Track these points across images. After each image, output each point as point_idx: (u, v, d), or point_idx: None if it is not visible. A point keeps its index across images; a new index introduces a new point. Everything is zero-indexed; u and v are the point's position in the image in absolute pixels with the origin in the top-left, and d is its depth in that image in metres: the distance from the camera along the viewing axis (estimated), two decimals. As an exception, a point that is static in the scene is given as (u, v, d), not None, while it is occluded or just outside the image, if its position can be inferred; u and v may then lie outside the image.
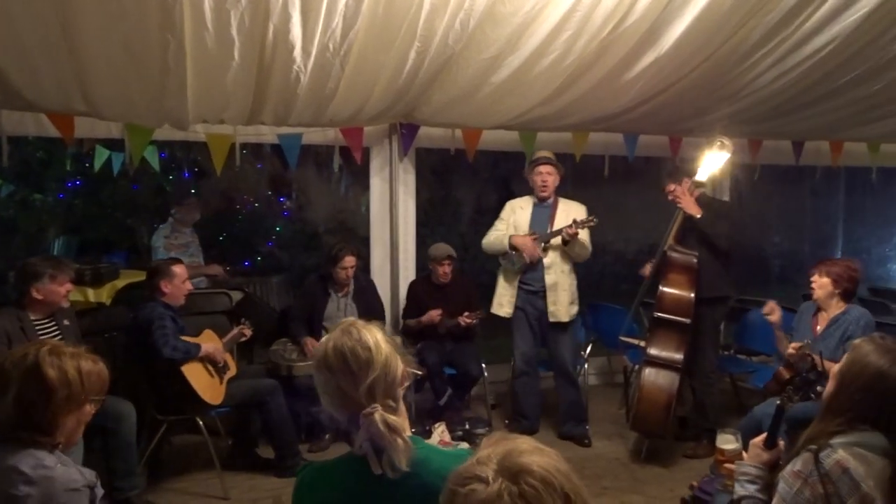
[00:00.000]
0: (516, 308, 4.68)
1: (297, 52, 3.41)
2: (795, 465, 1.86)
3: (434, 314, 4.79)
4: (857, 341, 1.99)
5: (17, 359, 1.88)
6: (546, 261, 4.61)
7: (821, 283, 3.85)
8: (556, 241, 4.58)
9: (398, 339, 1.52)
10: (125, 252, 7.64)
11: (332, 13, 3.23)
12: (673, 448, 4.52)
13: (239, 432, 4.34)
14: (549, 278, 4.60)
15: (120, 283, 5.14)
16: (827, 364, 3.34)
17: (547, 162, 4.66)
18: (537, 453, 1.03)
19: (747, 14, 3.68)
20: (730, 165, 5.01)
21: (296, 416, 4.34)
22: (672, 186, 4.50)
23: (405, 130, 4.91)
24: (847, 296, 3.85)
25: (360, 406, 1.55)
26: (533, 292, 4.65)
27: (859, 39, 3.94)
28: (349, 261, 4.63)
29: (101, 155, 4.93)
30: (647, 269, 4.64)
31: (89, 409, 1.94)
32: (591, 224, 4.53)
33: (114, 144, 4.77)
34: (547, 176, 4.64)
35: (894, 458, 1.81)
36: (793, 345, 3.71)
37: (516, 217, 4.73)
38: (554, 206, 4.69)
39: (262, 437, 4.32)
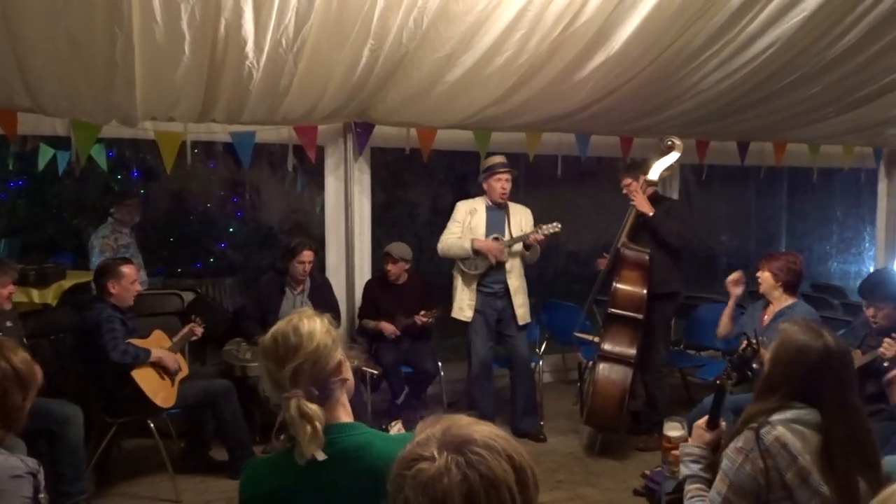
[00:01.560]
0: (475, 311, 4.69)
1: (250, 48, 3.38)
2: (737, 442, 1.95)
3: (389, 329, 4.78)
4: (784, 324, 2.10)
5: None
6: (507, 265, 4.65)
7: (763, 278, 3.99)
8: (518, 245, 4.63)
9: (343, 334, 1.53)
10: (70, 254, 7.42)
11: (285, 9, 3.21)
12: (626, 442, 4.61)
13: (191, 434, 4.26)
14: (512, 282, 4.65)
15: (66, 283, 4.99)
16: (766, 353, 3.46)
17: (507, 169, 4.71)
18: (475, 424, 1.05)
19: (693, 16, 3.78)
20: (678, 165, 5.15)
21: (249, 416, 4.29)
22: (628, 180, 4.60)
23: (360, 129, 4.89)
24: (790, 288, 3.97)
25: (285, 391, 1.57)
26: (492, 294, 4.68)
27: (800, 43, 4.09)
28: (307, 255, 4.60)
29: (46, 153, 4.78)
30: (602, 263, 4.75)
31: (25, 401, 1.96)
32: (556, 231, 4.60)
33: (59, 143, 4.64)
34: (506, 183, 4.68)
35: (825, 432, 1.90)
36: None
37: (472, 220, 4.72)
38: (506, 210, 4.74)
39: (215, 439, 4.25)
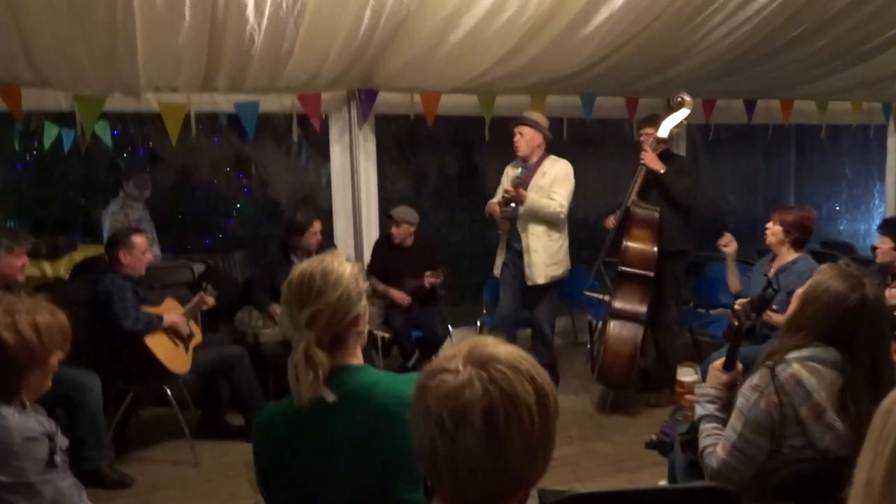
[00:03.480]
0: (503, 265, 4.68)
1: (251, 11, 3.37)
2: (753, 379, 1.96)
3: (400, 297, 4.79)
4: (823, 266, 2.08)
5: None
6: (519, 223, 4.55)
7: (773, 231, 3.95)
8: (524, 207, 4.46)
9: (368, 287, 1.53)
10: (79, 232, 7.46)
11: (285, -31, 3.19)
12: (636, 399, 4.64)
13: (207, 401, 4.32)
14: (524, 240, 4.52)
15: (77, 256, 5.03)
16: (770, 315, 3.45)
17: (518, 122, 4.60)
18: (502, 345, 1.06)
19: (697, -32, 3.74)
20: (686, 124, 5.11)
21: (263, 384, 4.33)
22: (650, 130, 4.56)
23: (363, 96, 4.87)
24: (797, 244, 3.94)
25: (298, 331, 1.58)
26: (516, 252, 4.59)
27: (805, -7, 4.04)
28: (317, 225, 4.61)
29: (51, 132, 4.79)
30: (611, 221, 4.70)
31: (54, 360, 1.91)
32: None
33: (64, 121, 4.65)
34: (518, 136, 4.54)
35: (844, 371, 1.90)
36: (738, 301, 3.83)
37: (507, 180, 4.64)
38: (534, 167, 4.55)
39: (230, 405, 4.31)
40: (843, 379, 1.90)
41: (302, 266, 1.65)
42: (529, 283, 4.54)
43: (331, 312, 1.60)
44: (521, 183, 4.45)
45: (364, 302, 1.69)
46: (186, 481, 3.76)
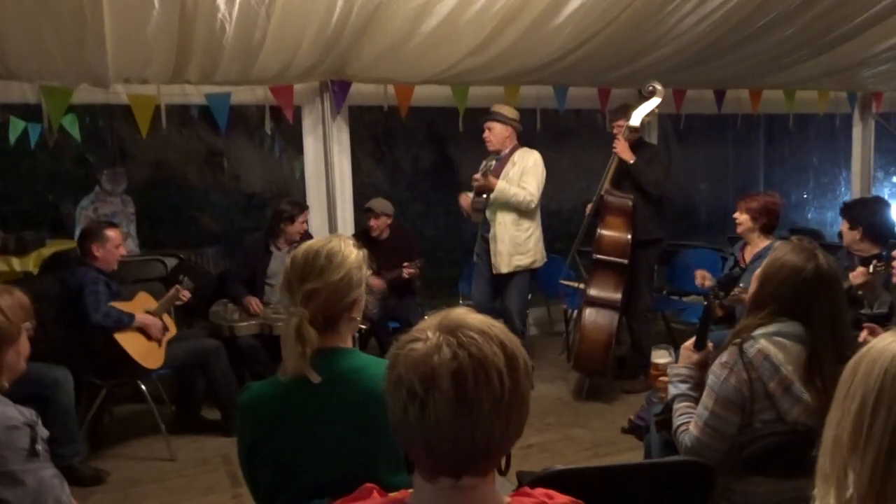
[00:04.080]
0: (476, 255, 4.77)
1: (221, 0, 3.33)
2: (722, 357, 2.01)
3: (376, 283, 4.79)
4: (776, 244, 2.14)
5: None
6: (488, 213, 4.63)
7: (741, 220, 4.03)
8: (493, 195, 4.55)
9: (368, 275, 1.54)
10: (47, 228, 7.33)
11: (256, -43, 3.16)
12: (612, 386, 4.70)
13: (182, 396, 4.28)
14: (493, 230, 4.61)
15: (46, 251, 4.94)
16: (743, 298, 3.51)
17: (487, 119, 4.67)
18: (472, 313, 1.08)
19: (667, -43, 3.78)
20: (657, 113, 5.18)
21: (240, 377, 4.30)
22: (621, 122, 4.61)
23: (336, 88, 4.84)
24: (767, 230, 4.02)
25: (293, 305, 1.59)
26: (487, 241, 4.67)
27: (773, -18, 4.10)
28: (305, 215, 4.67)
29: (17, 126, 4.66)
30: (590, 208, 4.75)
31: (24, 339, 1.94)
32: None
33: (30, 115, 4.56)
34: (487, 132, 4.65)
35: (809, 344, 1.96)
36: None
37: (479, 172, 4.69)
38: (506, 158, 4.63)
39: (206, 400, 4.27)
40: (807, 352, 1.95)
41: (309, 243, 1.68)
42: (494, 272, 4.62)
43: (329, 292, 1.62)
44: (493, 172, 4.50)
45: (363, 289, 1.71)
46: (163, 476, 3.72)
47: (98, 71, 3.68)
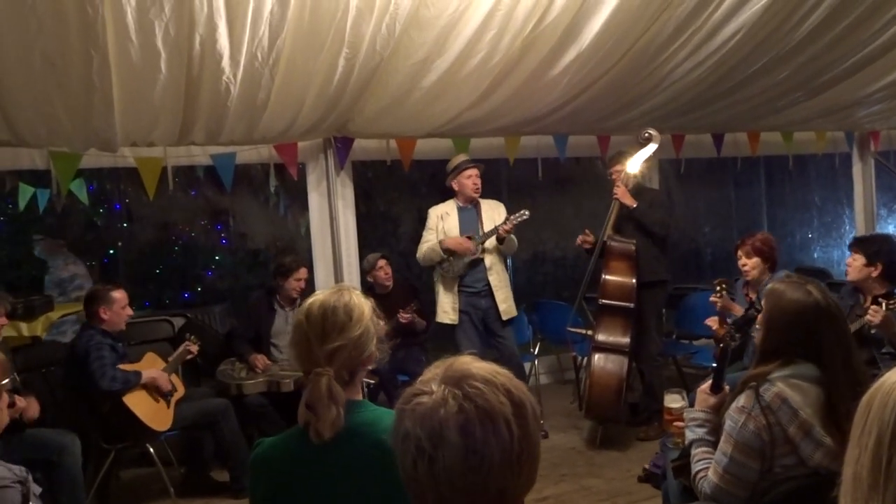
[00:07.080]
0: (461, 312, 4.68)
1: (226, 62, 3.41)
2: (738, 401, 1.97)
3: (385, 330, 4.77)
4: (769, 287, 2.12)
5: None
6: (486, 262, 4.66)
7: (752, 264, 3.89)
8: (492, 241, 4.63)
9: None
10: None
11: (259, 21, 3.25)
12: (626, 433, 4.62)
13: (191, 457, 4.22)
14: (493, 278, 4.65)
15: (54, 315, 4.95)
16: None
17: (475, 165, 4.74)
18: (476, 362, 1.07)
19: (659, 7, 3.87)
20: (656, 159, 5.24)
21: (248, 436, 4.24)
22: (619, 168, 4.66)
23: (340, 144, 4.92)
24: (774, 267, 4.01)
25: (317, 365, 1.56)
26: (475, 293, 4.67)
27: (765, 27, 4.18)
28: (303, 272, 4.63)
29: (26, 193, 4.74)
30: (582, 240, 4.83)
31: (3, 394, 1.95)
32: (524, 217, 4.57)
33: (38, 180, 4.63)
34: (477, 178, 4.70)
35: (825, 385, 1.92)
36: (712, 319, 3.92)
37: (444, 224, 4.73)
38: (478, 208, 4.74)
39: (215, 461, 4.21)
40: (825, 393, 1.92)
41: (320, 299, 1.63)
42: (505, 318, 4.66)
43: (352, 348, 1.59)
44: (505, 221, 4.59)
45: (375, 339, 1.69)
46: (172, 541, 3.65)
47: (106, 135, 3.75)
